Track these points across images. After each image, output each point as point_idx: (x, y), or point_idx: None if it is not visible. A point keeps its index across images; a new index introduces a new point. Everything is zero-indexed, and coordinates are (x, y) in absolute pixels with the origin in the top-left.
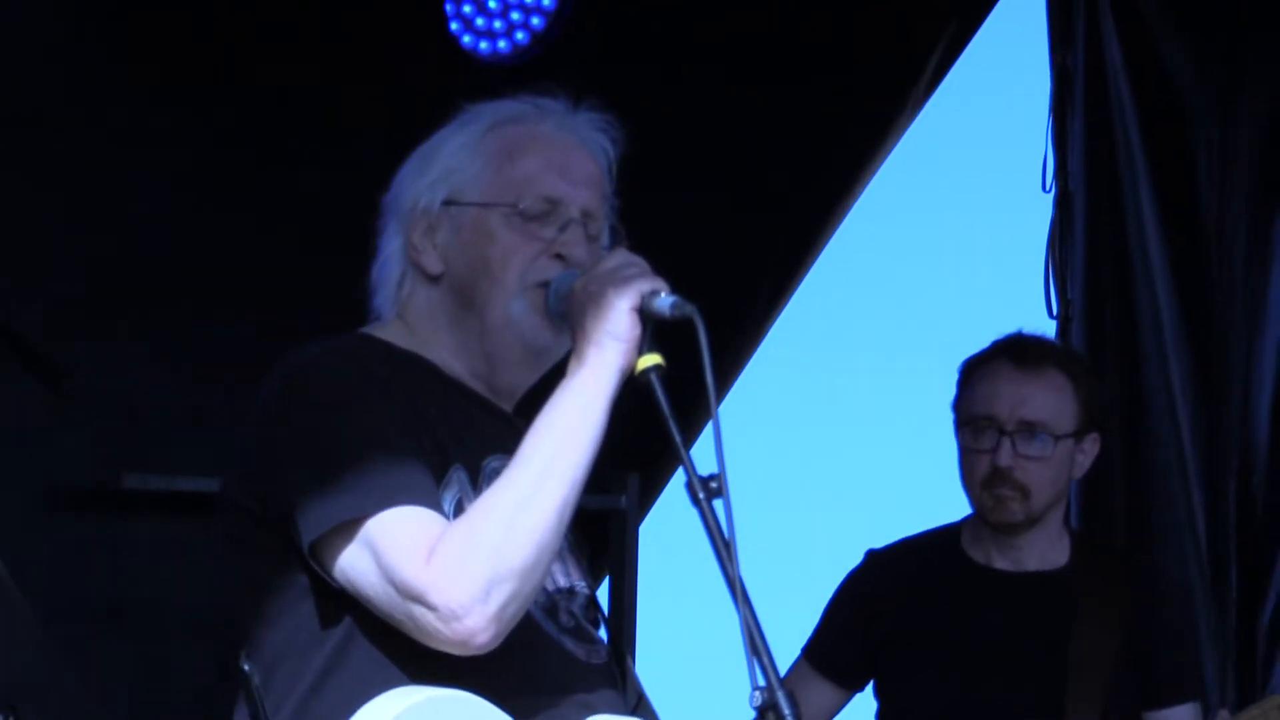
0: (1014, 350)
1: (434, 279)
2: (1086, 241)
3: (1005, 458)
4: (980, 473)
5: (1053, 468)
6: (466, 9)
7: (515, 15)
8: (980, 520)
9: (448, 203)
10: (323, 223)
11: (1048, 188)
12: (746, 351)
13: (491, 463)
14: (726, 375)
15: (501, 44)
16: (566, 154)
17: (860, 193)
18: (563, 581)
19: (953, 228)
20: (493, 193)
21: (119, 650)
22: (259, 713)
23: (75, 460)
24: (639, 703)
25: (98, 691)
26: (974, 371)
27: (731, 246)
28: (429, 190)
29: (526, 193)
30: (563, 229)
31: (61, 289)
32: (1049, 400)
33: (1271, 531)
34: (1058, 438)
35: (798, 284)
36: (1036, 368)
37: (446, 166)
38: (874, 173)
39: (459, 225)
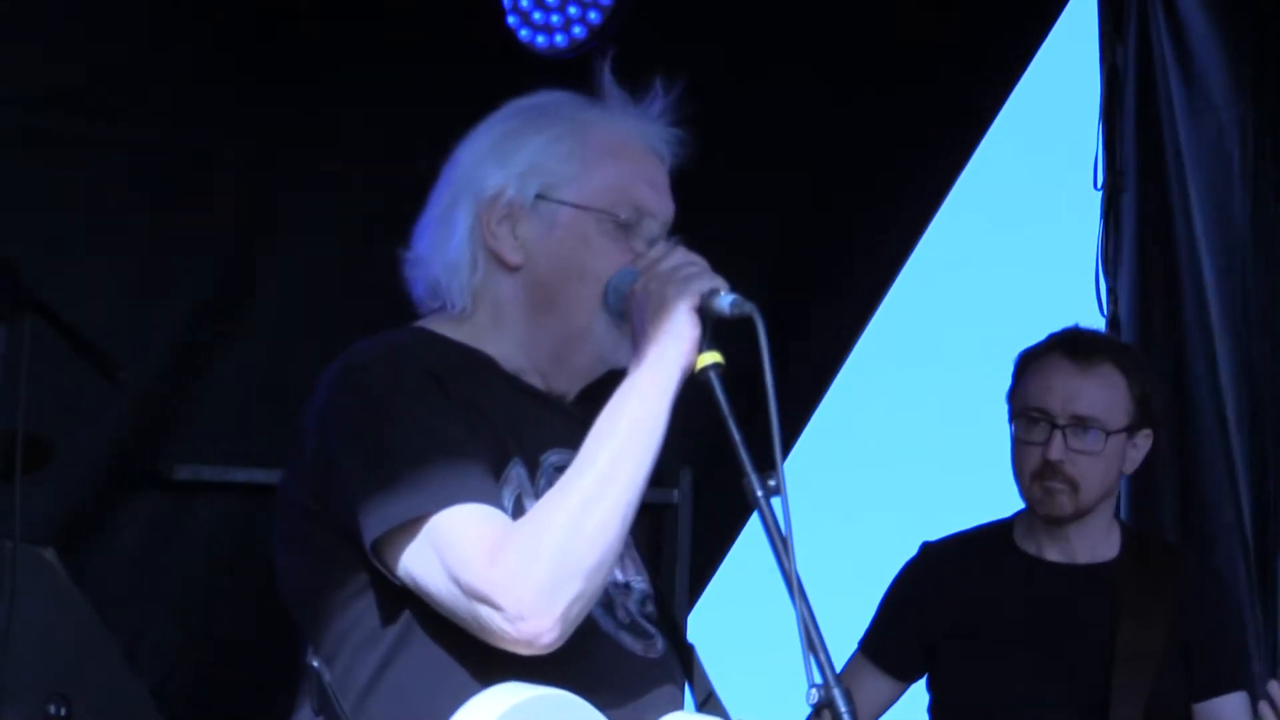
0: (1069, 344)
1: (511, 270)
2: (1136, 239)
3: (1056, 451)
4: (1031, 465)
5: (1103, 462)
6: (524, 3)
7: (572, 9)
8: (1031, 512)
9: (541, 197)
10: (379, 213)
11: (1098, 185)
12: (832, 369)
13: (550, 457)
14: (811, 397)
15: (559, 38)
16: (650, 162)
17: (943, 201)
18: (619, 577)
19: (1004, 227)
20: (590, 196)
21: (170, 641)
22: (335, 709)
23: (127, 451)
24: (708, 698)
25: (150, 681)
26: (1029, 364)
27: (804, 260)
28: (519, 181)
29: (621, 201)
30: (650, 245)
31: (117, 280)
32: (1102, 395)
33: None
34: (1109, 433)
35: (880, 302)
36: (1090, 362)
37: (535, 161)
38: (955, 181)
39: (552, 223)
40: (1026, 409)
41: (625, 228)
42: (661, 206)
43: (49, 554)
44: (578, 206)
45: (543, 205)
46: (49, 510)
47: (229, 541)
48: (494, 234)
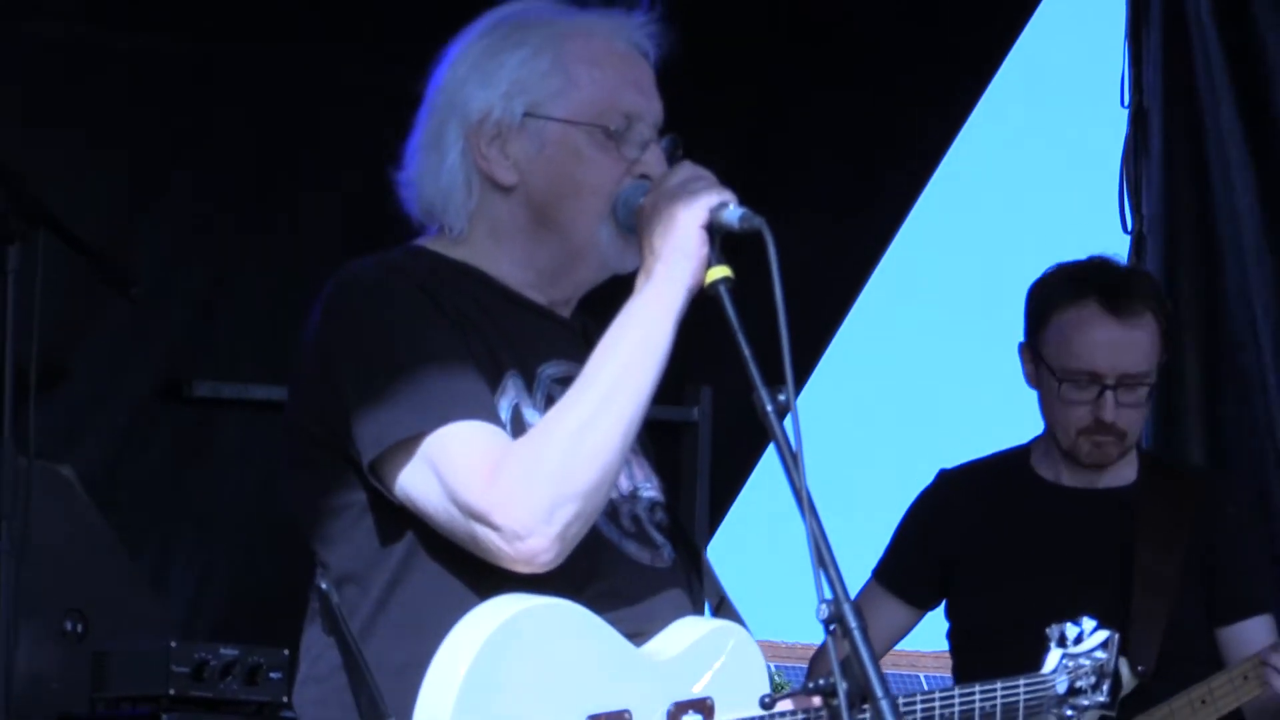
0: (1106, 294)
1: (505, 190)
2: (1164, 157)
3: (1110, 412)
4: (1079, 422)
5: (1146, 407)
6: None
7: None
8: (1057, 448)
9: (529, 115)
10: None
11: (1125, 103)
12: (852, 291)
13: (547, 369)
14: (830, 320)
15: None
16: (634, 63)
17: (964, 122)
18: (625, 486)
19: (1026, 145)
20: (576, 109)
21: (198, 559)
22: (342, 631)
23: (146, 368)
24: (721, 603)
25: (179, 598)
26: (1063, 315)
27: (820, 181)
28: (503, 101)
29: (609, 110)
30: (643, 148)
31: (135, 197)
32: (1146, 349)
33: None
34: (1154, 382)
35: (902, 222)
36: (1132, 315)
37: (517, 79)
38: (977, 99)
39: (542, 141)
40: (1072, 372)
41: (616, 137)
42: (650, 108)
43: (66, 471)
44: (566, 121)
45: (531, 123)
46: (70, 428)
47: (253, 459)
48: (485, 156)
